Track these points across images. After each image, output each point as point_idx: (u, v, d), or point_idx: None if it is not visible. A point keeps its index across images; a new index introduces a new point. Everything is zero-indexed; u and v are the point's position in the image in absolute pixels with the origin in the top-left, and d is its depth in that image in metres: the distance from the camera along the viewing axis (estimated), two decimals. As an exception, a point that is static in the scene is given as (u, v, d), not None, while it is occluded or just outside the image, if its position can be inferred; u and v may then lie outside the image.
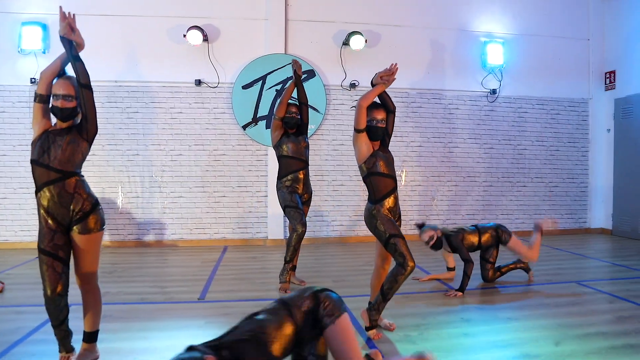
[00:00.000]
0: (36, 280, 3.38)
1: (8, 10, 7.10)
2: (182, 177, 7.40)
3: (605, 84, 8.57)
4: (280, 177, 4.90)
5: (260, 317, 2.21)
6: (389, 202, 3.50)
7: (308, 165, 4.98)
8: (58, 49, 6.94)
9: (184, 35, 7.07)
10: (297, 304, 2.27)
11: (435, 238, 4.81)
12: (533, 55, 8.30)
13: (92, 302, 3.02)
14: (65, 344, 2.97)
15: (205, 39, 7.22)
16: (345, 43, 7.54)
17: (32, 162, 2.91)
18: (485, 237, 4.95)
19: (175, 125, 7.39)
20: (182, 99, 7.41)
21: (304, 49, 7.62)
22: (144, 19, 7.26)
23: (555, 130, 8.50)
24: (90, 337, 3.04)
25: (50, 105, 2.92)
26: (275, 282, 5.02)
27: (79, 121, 2.98)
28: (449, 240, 4.89)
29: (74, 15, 3.00)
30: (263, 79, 7.46)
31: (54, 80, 2.94)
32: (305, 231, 4.71)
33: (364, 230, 7.70)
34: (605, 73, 8.58)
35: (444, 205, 8.10)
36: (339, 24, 7.68)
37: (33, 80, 7.07)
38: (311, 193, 5.04)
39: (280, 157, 4.92)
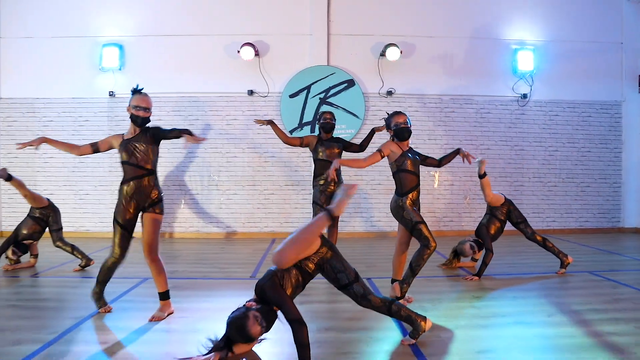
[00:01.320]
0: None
1: (90, 34, 8.30)
2: (236, 176, 8.35)
3: (639, 85, 8.83)
4: (314, 176, 5.69)
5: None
6: (413, 195, 4.19)
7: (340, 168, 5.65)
8: (132, 66, 8.12)
9: (238, 51, 8.01)
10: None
11: (474, 246, 5.70)
12: (564, 60, 8.71)
13: (158, 269, 3.91)
14: (102, 298, 3.97)
15: (257, 53, 8.13)
16: (382, 54, 8.25)
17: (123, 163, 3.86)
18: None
19: (230, 131, 8.35)
20: (236, 107, 8.36)
21: (344, 60, 8.40)
22: (204, 38, 8.28)
23: (587, 132, 8.85)
24: (164, 296, 3.93)
25: (130, 115, 3.87)
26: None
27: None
28: (478, 234, 5.55)
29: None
30: (308, 88, 8.30)
31: (134, 97, 3.89)
32: None
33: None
34: (639, 75, 8.84)
35: (476, 203, 8.63)
36: (377, 36, 8.41)
37: (111, 93, 8.22)
38: None
39: (315, 160, 5.70)
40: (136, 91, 3.94)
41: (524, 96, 8.63)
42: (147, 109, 3.88)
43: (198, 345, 3.00)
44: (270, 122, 5.73)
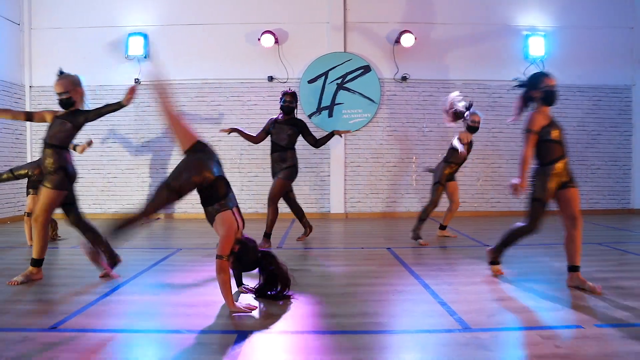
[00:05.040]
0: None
1: (116, 24, 8.66)
2: (257, 159, 8.70)
3: (649, 70, 9.04)
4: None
5: None
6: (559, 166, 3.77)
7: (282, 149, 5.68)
8: (157, 55, 8.49)
9: (259, 39, 8.33)
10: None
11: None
12: (574, 46, 8.92)
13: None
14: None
15: (276, 41, 8.45)
16: (397, 41, 8.53)
17: None
18: None
19: (251, 116, 8.69)
20: (256, 93, 8.70)
21: (360, 47, 8.70)
22: (226, 26, 8.61)
23: (597, 116, 9.07)
24: (36, 262, 4.10)
25: None
26: (333, 240, 6.15)
27: None
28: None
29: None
30: (325, 74, 8.61)
31: None
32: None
33: (415, 206, 8.70)
34: (649, 60, 9.05)
35: (488, 185, 8.91)
36: (392, 24, 8.69)
37: (137, 80, 8.59)
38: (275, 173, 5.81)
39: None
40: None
41: (535, 81, 8.86)
42: (60, 94, 4.02)
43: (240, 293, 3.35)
44: (235, 130, 5.80)
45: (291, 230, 7.16)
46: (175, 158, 8.65)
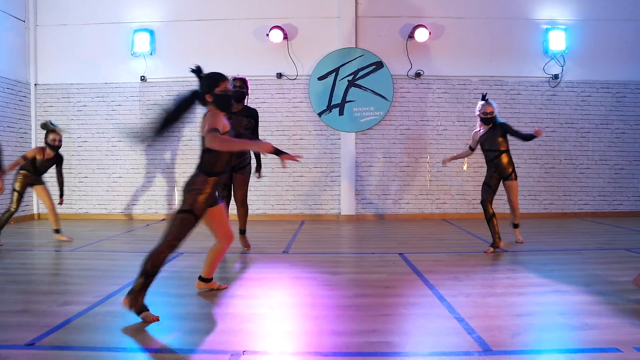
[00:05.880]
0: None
1: (121, 21, 8.46)
2: (265, 159, 8.39)
3: (676, 65, 8.58)
4: None
5: None
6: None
7: None
8: (163, 51, 8.26)
9: (267, 35, 8.06)
10: None
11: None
12: (597, 40, 8.50)
13: None
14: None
15: (285, 36, 8.17)
16: (411, 36, 8.19)
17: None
18: None
19: (259, 113, 8.39)
20: (265, 90, 8.42)
21: (372, 42, 8.37)
22: (233, 22, 8.35)
23: (621, 113, 8.64)
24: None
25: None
26: (343, 244, 5.85)
27: None
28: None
29: None
30: (336, 70, 8.30)
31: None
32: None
33: (428, 208, 8.37)
34: (677, 54, 8.59)
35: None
36: (405, 18, 8.35)
37: (143, 77, 8.38)
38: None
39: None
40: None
41: (555, 77, 8.47)
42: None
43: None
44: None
45: (299, 233, 6.88)
46: (180, 158, 8.42)
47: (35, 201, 8.62)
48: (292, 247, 5.76)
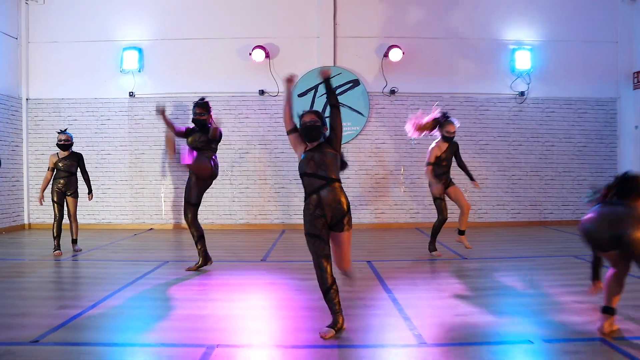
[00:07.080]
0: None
1: (111, 39, 8.89)
2: (248, 171, 8.89)
3: (634, 83, 9.19)
4: None
5: None
6: None
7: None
8: (151, 68, 8.70)
9: (250, 54, 8.54)
10: None
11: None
12: (561, 59, 9.10)
13: None
14: None
15: (267, 55, 8.66)
16: (386, 55, 8.73)
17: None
18: None
19: (242, 128, 8.89)
20: (248, 106, 8.90)
21: (350, 61, 8.90)
22: (218, 41, 8.83)
23: (583, 128, 9.24)
24: None
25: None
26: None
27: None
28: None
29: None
30: (315, 88, 8.81)
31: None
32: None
33: (402, 217, 8.88)
34: (634, 73, 9.19)
35: (476, 196, 9.05)
36: (380, 38, 8.89)
37: (131, 93, 8.81)
38: None
39: None
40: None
41: (522, 94, 9.05)
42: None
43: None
44: (163, 113, 5.27)
45: (278, 242, 7.33)
46: (168, 169, 8.84)
47: (25, 211, 8.97)
48: (270, 255, 6.22)
